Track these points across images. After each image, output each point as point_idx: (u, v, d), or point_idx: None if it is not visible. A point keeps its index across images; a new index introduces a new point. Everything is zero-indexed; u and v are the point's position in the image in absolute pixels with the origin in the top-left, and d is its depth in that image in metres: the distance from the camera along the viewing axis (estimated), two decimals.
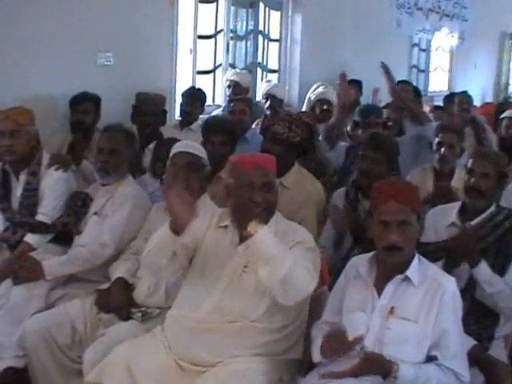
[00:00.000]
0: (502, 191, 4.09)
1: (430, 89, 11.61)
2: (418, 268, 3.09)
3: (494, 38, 13.60)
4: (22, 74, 5.23)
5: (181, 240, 3.14)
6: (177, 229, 3.09)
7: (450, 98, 8.45)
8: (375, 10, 9.27)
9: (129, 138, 4.37)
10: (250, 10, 7.91)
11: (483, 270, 3.56)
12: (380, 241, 3.05)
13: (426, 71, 11.66)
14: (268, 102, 6.93)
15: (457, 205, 3.96)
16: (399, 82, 8.35)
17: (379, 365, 2.89)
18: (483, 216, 3.78)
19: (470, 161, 3.87)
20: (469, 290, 3.64)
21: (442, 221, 3.94)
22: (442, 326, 2.97)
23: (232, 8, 7.58)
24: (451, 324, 2.99)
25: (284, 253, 2.99)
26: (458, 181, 4.75)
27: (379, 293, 3.08)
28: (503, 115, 6.79)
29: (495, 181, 3.82)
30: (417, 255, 3.13)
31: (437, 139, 4.97)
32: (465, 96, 7.75)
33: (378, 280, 3.13)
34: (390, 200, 3.03)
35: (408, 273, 3.06)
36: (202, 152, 4.07)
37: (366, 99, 8.30)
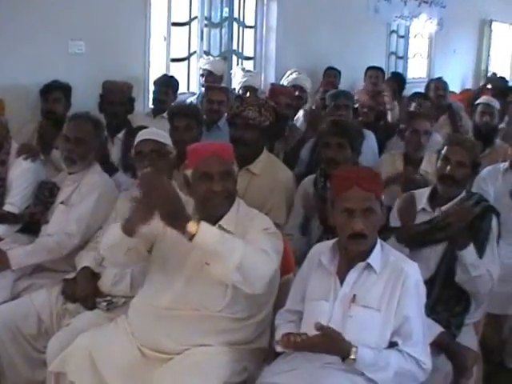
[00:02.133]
0: (473, 179, 4.09)
1: (409, 75, 11.55)
2: (380, 255, 3.06)
3: (474, 25, 13.57)
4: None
5: (132, 241, 3.09)
6: (129, 232, 3.05)
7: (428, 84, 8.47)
8: None
9: (95, 127, 4.30)
10: None
11: (470, 253, 3.55)
12: (344, 229, 3.01)
13: (404, 58, 11.65)
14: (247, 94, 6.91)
15: (426, 190, 3.94)
16: (370, 67, 8.39)
17: (337, 343, 2.84)
18: (454, 201, 3.76)
19: (446, 148, 3.83)
20: (439, 276, 3.64)
21: None
22: (403, 313, 2.93)
23: None
24: (413, 311, 2.95)
25: (232, 243, 2.94)
26: (427, 165, 4.75)
27: (341, 281, 3.05)
28: (477, 101, 6.74)
29: (470, 169, 3.81)
30: (379, 241, 3.10)
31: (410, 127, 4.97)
32: (440, 82, 7.77)
33: (340, 268, 3.09)
34: (353, 186, 2.99)
35: (370, 260, 3.02)
36: (166, 139, 4.02)
37: (343, 87, 8.25)
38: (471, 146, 3.88)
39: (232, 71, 7.75)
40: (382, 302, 2.97)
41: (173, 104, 5.63)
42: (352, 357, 2.83)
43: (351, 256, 3.07)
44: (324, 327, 2.82)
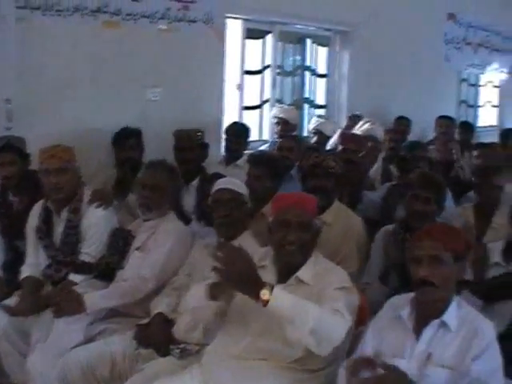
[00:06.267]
0: None
1: (479, 124, 11.46)
2: (456, 313, 2.99)
3: None
4: (68, 109, 5.33)
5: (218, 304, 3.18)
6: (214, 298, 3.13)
7: (506, 133, 8.36)
8: (423, 45, 9.20)
9: (171, 175, 4.35)
10: (297, 46, 7.94)
11: None
12: (413, 277, 3.00)
13: (474, 106, 11.56)
14: (315, 138, 6.93)
15: (500, 243, 3.88)
16: (441, 117, 8.30)
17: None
18: None
19: None
20: None
21: None
22: (474, 375, 2.85)
23: (279, 44, 7.60)
24: (485, 374, 2.86)
25: (305, 307, 2.91)
26: (500, 218, 4.65)
27: (417, 337, 2.99)
28: None
29: None
30: (456, 299, 3.04)
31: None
32: None
33: (416, 323, 3.04)
34: (424, 238, 2.99)
35: (445, 317, 2.97)
36: (243, 188, 4.04)
37: (414, 137, 8.19)
38: None
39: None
40: (457, 361, 2.89)
41: (251, 152, 5.65)
42: None
43: (426, 311, 3.01)
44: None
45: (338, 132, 6.89)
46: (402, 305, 3.12)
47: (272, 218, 3.30)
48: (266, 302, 2.84)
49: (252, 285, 2.87)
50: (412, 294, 3.12)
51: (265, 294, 2.84)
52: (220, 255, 2.91)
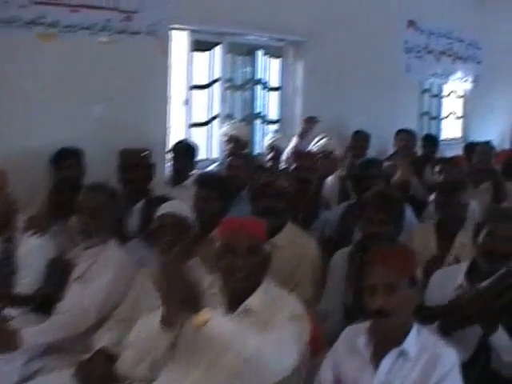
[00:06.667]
0: None
1: (443, 136, 11.61)
2: (416, 340, 3.06)
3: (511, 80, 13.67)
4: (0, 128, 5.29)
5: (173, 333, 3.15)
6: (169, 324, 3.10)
7: (471, 146, 8.52)
8: (382, 55, 9.29)
9: (112, 197, 4.35)
10: (247, 58, 7.98)
11: (501, 337, 3.51)
12: (368, 307, 3.05)
13: (437, 118, 11.72)
14: (271, 155, 7.01)
15: (464, 265, 3.95)
16: (400, 130, 8.42)
17: None
18: (495, 277, 3.75)
19: (492, 223, 3.84)
20: (478, 359, 3.58)
21: (448, 283, 3.91)
22: None
23: (228, 56, 7.63)
24: None
25: (245, 334, 2.96)
26: (464, 236, 4.72)
27: (376, 367, 3.05)
28: None
29: None
30: (416, 325, 3.10)
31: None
32: (487, 146, 7.76)
33: (375, 353, 3.09)
34: (377, 264, 3.05)
35: (404, 346, 3.03)
36: (188, 212, 4.07)
37: (373, 151, 8.32)
38: None
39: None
40: None
41: (198, 172, 5.68)
42: None
43: (385, 339, 3.07)
44: None
45: (290, 146, 6.95)
46: (358, 334, 3.17)
47: (218, 244, 3.33)
48: (202, 325, 2.86)
49: (190, 304, 2.90)
50: (368, 323, 3.17)
51: (202, 316, 2.87)
52: (159, 277, 2.94)
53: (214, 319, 2.89)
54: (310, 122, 7.57)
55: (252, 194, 4.83)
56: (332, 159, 6.80)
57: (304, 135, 7.32)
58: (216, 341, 2.91)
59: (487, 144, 7.99)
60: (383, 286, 3.00)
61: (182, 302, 2.91)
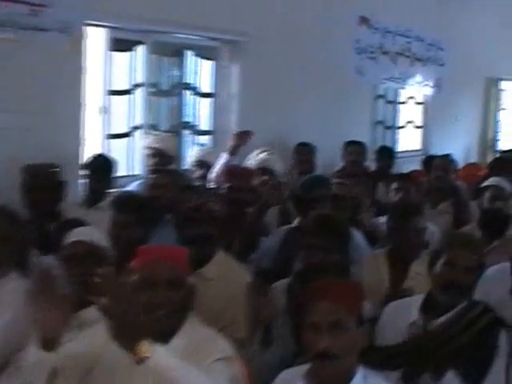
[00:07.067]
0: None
1: (400, 148, 11.72)
2: None
3: (478, 85, 13.92)
4: None
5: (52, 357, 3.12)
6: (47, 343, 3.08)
7: (431, 160, 8.56)
8: (331, 56, 9.37)
9: (13, 222, 4.33)
10: (175, 60, 7.98)
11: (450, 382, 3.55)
12: (310, 348, 3.07)
13: (393, 127, 11.83)
14: (199, 172, 7.02)
15: (418, 299, 4.01)
16: (349, 142, 8.48)
17: None
18: (453, 312, 3.81)
19: (450, 251, 3.94)
20: None
21: (401, 319, 3.99)
22: None
23: (153, 57, 7.62)
24: None
25: (187, 371, 2.97)
26: (419, 265, 4.80)
27: None
28: (486, 183, 6.81)
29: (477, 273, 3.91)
30: (361, 369, 3.13)
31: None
32: (446, 160, 7.80)
33: None
34: (321, 299, 3.07)
35: None
36: (102, 240, 4.09)
37: (320, 166, 8.41)
38: (479, 246, 4.02)
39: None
40: None
41: (116, 192, 5.67)
42: None
43: None
44: None
45: (219, 164, 6.96)
46: (294, 379, 3.19)
47: (135, 277, 3.34)
48: (143, 359, 2.84)
49: (132, 332, 2.87)
50: (306, 366, 3.20)
51: (145, 346, 2.84)
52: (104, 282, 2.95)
53: (158, 353, 2.88)
54: (243, 137, 7.39)
55: (179, 219, 4.84)
56: (273, 177, 6.75)
57: (235, 152, 7.19)
58: (159, 378, 2.91)
59: (446, 157, 8.01)
60: (329, 325, 3.02)
61: (123, 324, 2.88)
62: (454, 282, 3.86)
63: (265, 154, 7.11)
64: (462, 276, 3.86)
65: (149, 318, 3.21)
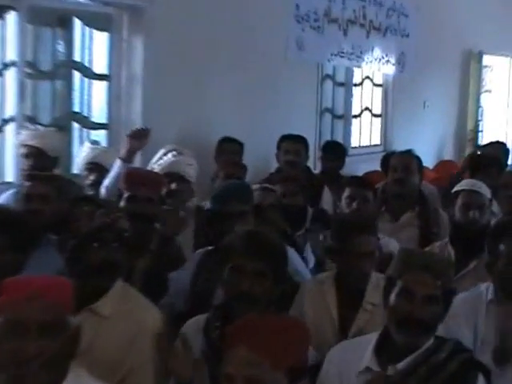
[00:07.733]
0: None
1: (353, 144, 11.87)
2: None
3: (454, 61, 14.07)
4: None
5: None
6: None
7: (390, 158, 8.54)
8: (263, 26, 9.43)
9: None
10: (58, 30, 7.95)
11: None
12: None
13: (345, 117, 11.93)
14: (92, 177, 6.98)
15: (371, 339, 4.02)
16: (285, 137, 8.44)
17: None
18: (416, 354, 3.83)
19: (406, 277, 3.92)
20: None
21: (351, 364, 4.00)
22: None
23: (29, 27, 7.57)
24: None
25: None
26: (373, 294, 4.81)
27: None
28: (457, 187, 6.69)
29: (442, 303, 3.91)
30: None
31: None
32: (408, 157, 7.72)
33: None
34: (240, 345, 3.08)
35: None
36: None
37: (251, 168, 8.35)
38: (444, 268, 4.00)
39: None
40: None
41: None
42: None
43: None
44: None
45: (113, 173, 6.76)
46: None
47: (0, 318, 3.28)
48: None
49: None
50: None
51: None
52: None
53: None
54: (140, 137, 6.90)
55: (72, 241, 4.75)
56: (184, 185, 6.71)
57: (131, 157, 6.84)
58: None
59: (408, 154, 7.83)
60: (244, 380, 3.04)
61: None
62: (411, 315, 3.83)
63: (171, 153, 7.04)
64: (421, 308, 3.83)
65: (17, 372, 3.18)
